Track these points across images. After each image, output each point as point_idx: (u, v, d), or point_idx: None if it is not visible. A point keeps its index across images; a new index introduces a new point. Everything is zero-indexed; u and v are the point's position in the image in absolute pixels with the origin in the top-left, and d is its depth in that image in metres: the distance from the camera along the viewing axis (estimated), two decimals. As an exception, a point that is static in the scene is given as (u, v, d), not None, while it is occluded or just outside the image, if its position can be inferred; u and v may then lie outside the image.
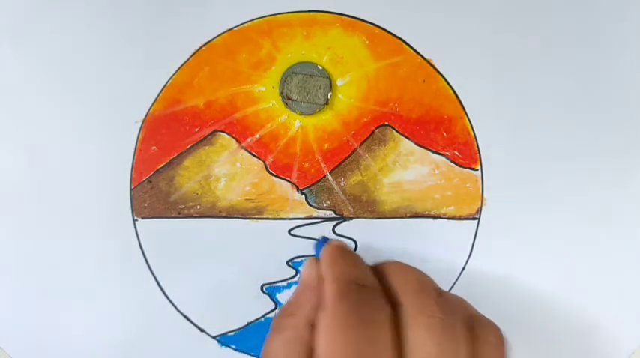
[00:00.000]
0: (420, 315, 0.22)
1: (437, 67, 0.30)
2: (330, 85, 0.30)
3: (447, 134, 0.30)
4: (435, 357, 0.21)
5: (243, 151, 0.30)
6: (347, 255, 0.25)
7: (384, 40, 0.30)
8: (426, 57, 0.30)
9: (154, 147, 0.30)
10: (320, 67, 0.30)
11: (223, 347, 0.30)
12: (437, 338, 0.21)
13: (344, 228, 0.30)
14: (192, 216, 0.30)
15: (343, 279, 0.23)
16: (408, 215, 0.30)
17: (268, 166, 0.30)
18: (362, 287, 0.23)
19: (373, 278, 0.24)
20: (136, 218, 0.30)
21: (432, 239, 0.30)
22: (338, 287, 0.23)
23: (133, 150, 0.30)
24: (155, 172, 0.30)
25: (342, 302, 0.22)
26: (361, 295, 0.22)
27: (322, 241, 0.27)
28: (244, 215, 0.30)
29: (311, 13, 0.30)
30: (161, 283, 0.30)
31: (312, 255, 0.30)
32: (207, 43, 0.30)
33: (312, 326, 0.22)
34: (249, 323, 0.30)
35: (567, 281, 0.30)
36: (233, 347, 0.30)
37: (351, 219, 0.30)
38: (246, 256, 0.30)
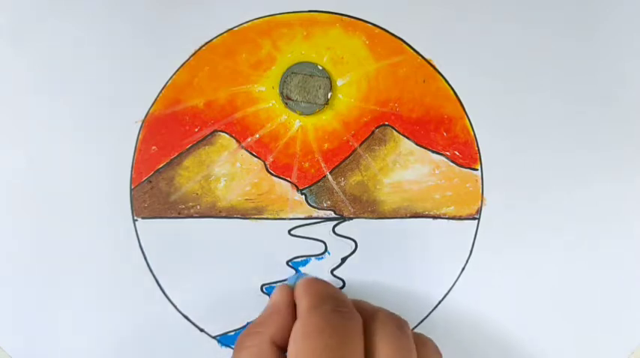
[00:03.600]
0: (388, 326, 0.23)
1: (437, 67, 0.30)
2: (330, 85, 0.30)
3: (447, 134, 0.30)
4: None
5: (243, 151, 0.30)
6: (322, 281, 0.26)
7: (384, 40, 0.30)
8: (426, 57, 0.30)
9: (154, 147, 0.30)
10: (320, 67, 0.30)
11: (223, 347, 0.30)
12: (397, 348, 0.23)
13: (344, 228, 0.30)
14: (192, 216, 0.30)
15: (317, 294, 0.24)
16: (408, 215, 0.30)
17: (268, 166, 0.30)
18: (336, 299, 0.24)
19: (346, 296, 0.25)
20: (136, 218, 0.30)
21: (432, 239, 0.30)
22: (312, 300, 0.24)
23: (133, 150, 0.30)
24: (155, 172, 0.30)
25: (316, 311, 0.23)
26: (335, 306, 0.23)
27: (298, 274, 0.29)
28: (244, 215, 0.30)
29: (311, 13, 0.30)
30: (161, 283, 0.30)
31: (312, 255, 0.30)
32: (207, 43, 0.30)
33: (276, 347, 0.23)
34: (249, 323, 0.30)
35: (567, 280, 0.30)
36: (233, 347, 0.30)
37: (351, 219, 0.30)
38: (246, 256, 0.30)
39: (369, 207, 0.30)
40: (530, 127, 0.30)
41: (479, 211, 0.30)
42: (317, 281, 0.26)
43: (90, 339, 0.30)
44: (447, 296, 0.30)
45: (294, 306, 0.25)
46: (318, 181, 0.30)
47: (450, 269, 0.30)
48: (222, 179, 0.30)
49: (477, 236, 0.30)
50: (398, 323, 0.24)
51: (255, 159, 0.30)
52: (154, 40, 0.30)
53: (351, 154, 0.30)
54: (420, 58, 0.30)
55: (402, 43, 0.30)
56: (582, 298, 0.30)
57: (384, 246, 0.30)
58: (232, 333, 0.30)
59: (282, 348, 0.23)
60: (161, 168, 0.30)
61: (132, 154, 0.30)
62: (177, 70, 0.30)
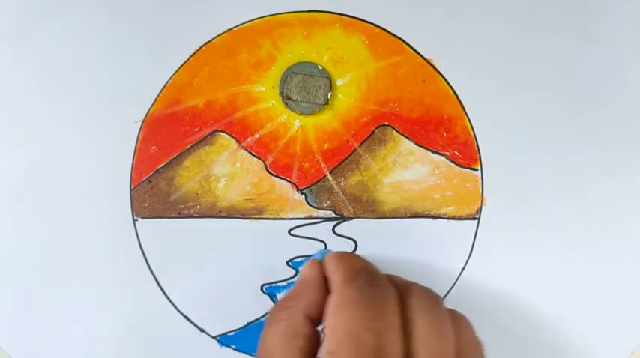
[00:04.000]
0: (424, 300, 0.23)
1: (437, 67, 0.30)
2: (330, 85, 0.30)
3: (447, 134, 0.30)
4: (431, 335, 0.22)
5: (243, 151, 0.30)
6: (353, 254, 0.26)
7: (384, 40, 0.30)
8: (426, 57, 0.30)
9: (153, 147, 0.30)
10: (320, 67, 0.30)
11: (223, 347, 0.30)
12: (434, 321, 0.22)
13: (344, 228, 0.30)
14: (192, 216, 0.30)
15: (351, 268, 0.24)
16: (408, 215, 0.30)
17: (268, 166, 0.30)
18: (370, 273, 0.24)
19: (379, 270, 0.25)
20: (136, 218, 0.30)
21: (432, 239, 0.30)
22: (347, 273, 0.23)
23: (133, 150, 0.30)
24: (155, 172, 0.30)
25: (351, 284, 0.23)
26: (370, 279, 0.23)
27: (323, 250, 0.29)
28: (244, 215, 0.30)
29: (311, 13, 0.30)
30: (161, 283, 0.30)
31: (312, 255, 0.30)
32: (207, 43, 0.30)
33: (309, 320, 0.23)
34: (249, 323, 0.30)
35: (567, 280, 0.30)
36: (233, 347, 0.30)
37: (351, 219, 0.30)
38: (246, 256, 0.30)
39: (369, 207, 0.30)
40: (530, 127, 0.30)
41: (479, 211, 0.30)
42: (349, 255, 0.26)
43: (89, 339, 0.30)
44: (447, 296, 0.30)
45: (325, 280, 0.25)
46: (318, 181, 0.30)
47: (450, 269, 0.30)
48: (222, 179, 0.30)
49: (477, 236, 0.30)
50: (433, 298, 0.24)
51: (255, 159, 0.30)
52: (154, 40, 0.30)
53: (351, 154, 0.30)
54: (420, 58, 0.30)
55: (402, 43, 0.30)
56: (582, 298, 0.30)
57: (384, 246, 0.30)
58: (232, 333, 0.30)
59: (314, 322, 0.23)
60: (161, 168, 0.30)
61: (132, 154, 0.30)
62: (177, 70, 0.30)
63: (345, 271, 0.24)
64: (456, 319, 0.24)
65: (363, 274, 0.23)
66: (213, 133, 0.30)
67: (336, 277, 0.24)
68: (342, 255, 0.25)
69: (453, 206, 0.30)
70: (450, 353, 0.22)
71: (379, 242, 0.30)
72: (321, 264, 0.25)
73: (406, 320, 0.22)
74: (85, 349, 0.30)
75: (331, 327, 0.22)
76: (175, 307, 0.30)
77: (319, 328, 0.23)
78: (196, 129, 0.30)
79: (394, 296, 0.23)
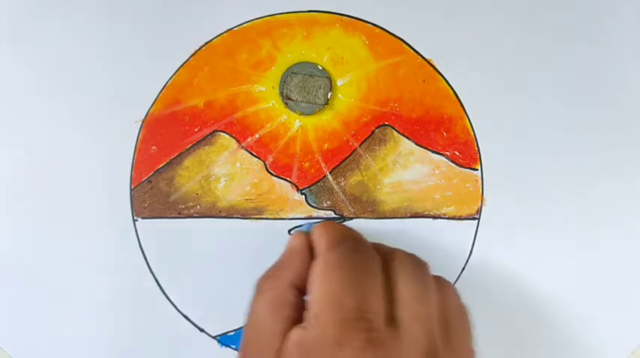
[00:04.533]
0: (407, 265, 0.23)
1: (437, 67, 0.30)
2: (330, 85, 0.30)
3: (447, 134, 0.30)
4: (415, 299, 0.22)
5: (243, 151, 0.30)
6: (338, 223, 0.26)
7: (384, 40, 0.30)
8: (426, 57, 0.30)
9: (153, 147, 0.30)
10: (320, 67, 0.30)
11: (223, 347, 0.30)
12: (416, 285, 0.22)
13: (344, 228, 0.30)
14: (192, 216, 0.30)
15: (336, 234, 0.24)
16: (408, 215, 0.30)
17: (268, 166, 0.30)
18: (354, 239, 0.24)
19: (364, 237, 0.25)
20: (136, 218, 0.30)
21: (432, 239, 0.30)
22: (331, 239, 0.24)
23: (133, 150, 0.30)
24: (155, 172, 0.30)
25: (335, 249, 0.23)
26: (354, 245, 0.23)
27: (311, 222, 0.29)
28: (244, 215, 0.30)
29: (311, 13, 0.30)
30: (161, 283, 0.30)
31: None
32: (207, 43, 0.30)
33: (296, 289, 0.23)
34: (249, 323, 0.30)
35: (567, 280, 0.30)
36: (233, 347, 0.30)
37: (351, 219, 0.30)
38: (246, 256, 0.30)
39: (369, 207, 0.30)
40: (530, 127, 0.30)
41: (479, 211, 0.30)
42: (334, 224, 0.26)
43: (90, 339, 0.30)
44: (447, 296, 0.30)
45: (311, 250, 0.25)
46: (318, 181, 0.30)
47: (450, 270, 0.30)
48: (222, 179, 0.30)
49: (477, 236, 0.30)
50: (417, 262, 0.24)
51: (255, 159, 0.30)
52: (154, 40, 0.30)
53: (351, 154, 0.30)
54: (420, 58, 0.30)
55: (402, 43, 0.30)
56: (582, 298, 0.30)
57: (384, 246, 0.30)
58: (232, 333, 0.30)
59: (301, 291, 0.23)
60: (161, 168, 0.30)
61: (132, 154, 0.30)
62: (177, 70, 0.30)
63: (329, 237, 0.24)
64: (442, 285, 0.24)
65: (347, 240, 0.24)
66: (213, 133, 0.30)
67: (320, 244, 0.24)
68: (327, 224, 0.26)
69: (453, 206, 0.30)
70: (433, 316, 0.22)
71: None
72: (307, 234, 0.26)
73: (389, 284, 0.22)
74: (85, 349, 0.30)
75: (315, 291, 0.22)
76: (175, 307, 0.30)
77: (306, 298, 0.23)
78: (196, 129, 0.30)
79: (377, 261, 0.23)
